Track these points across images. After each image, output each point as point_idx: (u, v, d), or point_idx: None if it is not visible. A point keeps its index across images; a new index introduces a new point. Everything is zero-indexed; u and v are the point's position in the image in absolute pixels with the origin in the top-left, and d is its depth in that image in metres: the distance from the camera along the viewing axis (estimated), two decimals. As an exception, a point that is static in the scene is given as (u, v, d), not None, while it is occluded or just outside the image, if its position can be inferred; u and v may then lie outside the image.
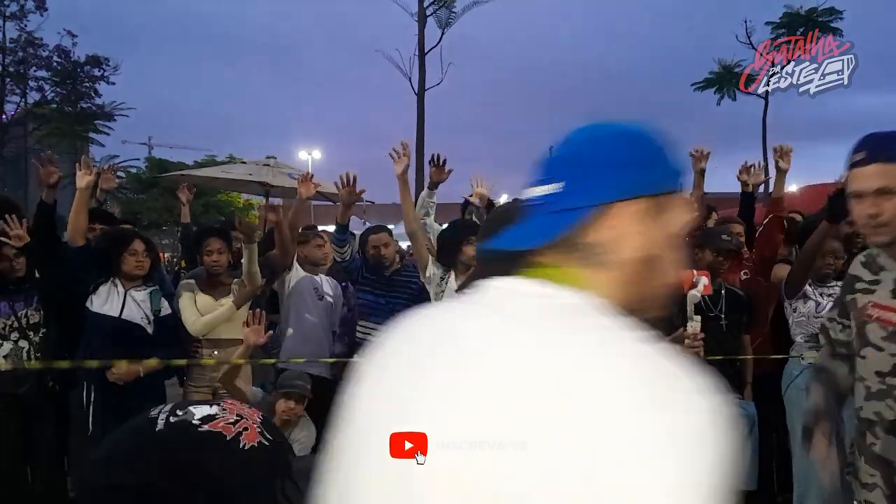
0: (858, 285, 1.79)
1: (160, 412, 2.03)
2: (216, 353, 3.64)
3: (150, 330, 3.46)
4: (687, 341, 2.48)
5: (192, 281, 3.80)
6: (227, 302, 3.71)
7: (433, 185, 4.06)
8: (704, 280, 2.57)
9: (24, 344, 3.40)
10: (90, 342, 3.41)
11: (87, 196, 3.57)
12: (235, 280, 3.81)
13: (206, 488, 1.82)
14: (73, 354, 3.44)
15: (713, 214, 4.41)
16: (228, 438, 1.89)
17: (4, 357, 3.36)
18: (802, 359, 3.33)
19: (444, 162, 3.98)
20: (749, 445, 3.35)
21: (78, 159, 3.78)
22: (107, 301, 3.43)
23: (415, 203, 3.88)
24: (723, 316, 3.35)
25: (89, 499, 1.97)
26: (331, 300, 4.20)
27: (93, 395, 3.37)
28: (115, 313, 3.40)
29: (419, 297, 3.80)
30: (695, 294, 2.57)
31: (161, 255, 4.77)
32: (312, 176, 3.71)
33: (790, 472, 4.08)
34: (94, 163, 3.72)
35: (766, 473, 3.58)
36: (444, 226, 3.86)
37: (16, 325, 3.39)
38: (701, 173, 3.91)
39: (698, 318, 2.54)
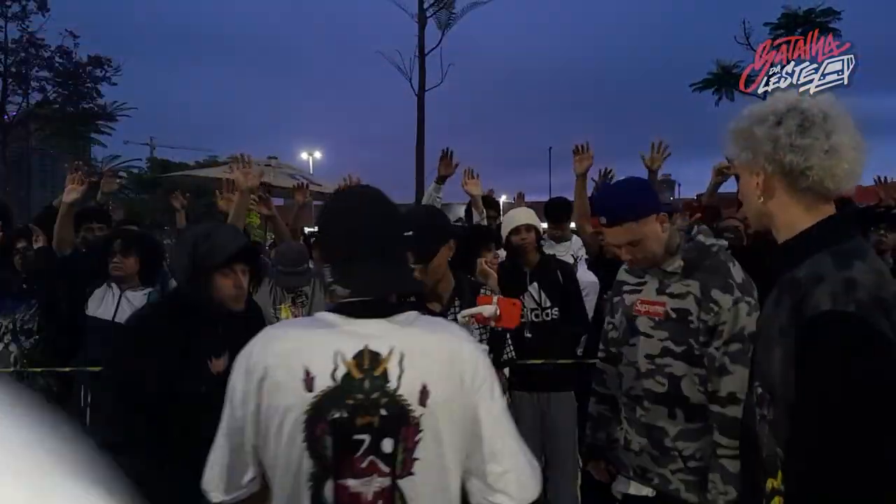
0: (626, 287, 2.19)
1: None
2: None
3: None
4: None
5: None
6: None
7: (441, 180, 4.06)
8: (491, 308, 2.00)
9: (13, 349, 3.38)
10: (87, 345, 3.35)
11: (73, 209, 3.47)
12: None
13: None
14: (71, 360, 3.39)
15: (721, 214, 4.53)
16: None
17: None
18: None
19: (452, 155, 4.02)
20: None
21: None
22: (101, 304, 3.37)
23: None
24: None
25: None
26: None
27: (89, 397, 3.33)
28: (109, 316, 3.33)
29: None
30: (462, 316, 2.04)
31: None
32: (305, 184, 3.85)
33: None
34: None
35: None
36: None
37: (10, 327, 3.38)
38: (718, 183, 4.24)
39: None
